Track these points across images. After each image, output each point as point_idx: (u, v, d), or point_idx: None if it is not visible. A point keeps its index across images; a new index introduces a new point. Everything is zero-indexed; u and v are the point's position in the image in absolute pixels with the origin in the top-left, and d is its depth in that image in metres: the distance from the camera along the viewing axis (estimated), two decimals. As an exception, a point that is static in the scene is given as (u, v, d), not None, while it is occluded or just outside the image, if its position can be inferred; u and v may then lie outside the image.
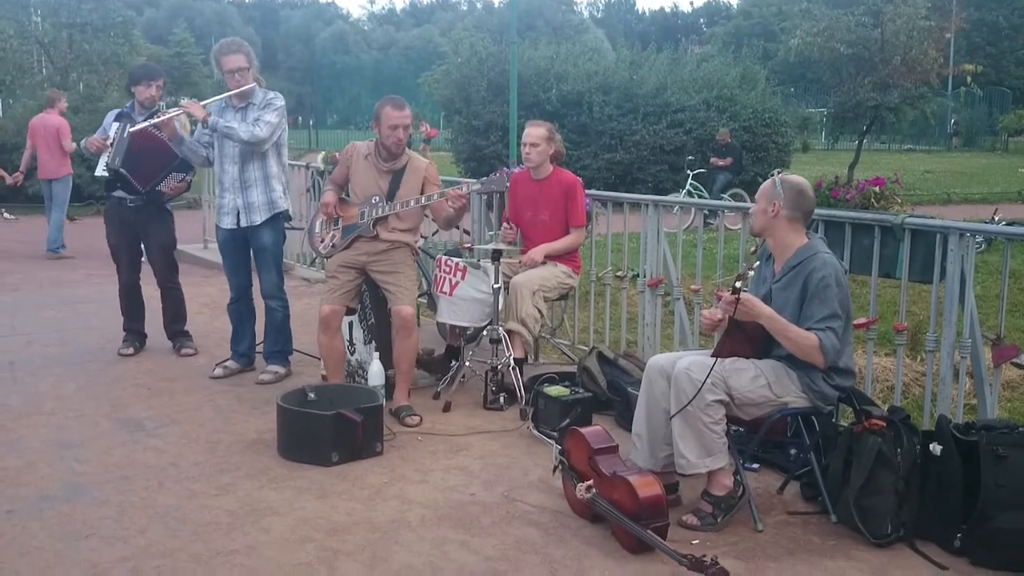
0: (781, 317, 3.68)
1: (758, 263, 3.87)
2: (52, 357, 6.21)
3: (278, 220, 5.69)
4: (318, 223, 5.42)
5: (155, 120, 5.64)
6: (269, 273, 5.69)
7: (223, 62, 5.44)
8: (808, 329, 3.64)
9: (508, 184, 5.60)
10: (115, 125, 5.98)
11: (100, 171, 6.00)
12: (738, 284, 3.62)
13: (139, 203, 6.10)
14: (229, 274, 5.83)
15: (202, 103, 5.53)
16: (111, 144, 5.88)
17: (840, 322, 3.67)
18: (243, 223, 5.59)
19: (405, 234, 5.19)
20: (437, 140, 34.29)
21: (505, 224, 5.84)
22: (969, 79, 28.57)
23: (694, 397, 3.61)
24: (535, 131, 5.62)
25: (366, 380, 5.14)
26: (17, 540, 3.57)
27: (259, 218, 5.58)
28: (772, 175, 3.93)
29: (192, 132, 5.84)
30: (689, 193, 14.73)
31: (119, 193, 6.12)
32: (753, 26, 55.46)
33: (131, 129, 5.76)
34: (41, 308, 7.82)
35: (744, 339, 3.77)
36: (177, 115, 5.57)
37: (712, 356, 3.70)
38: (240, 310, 5.86)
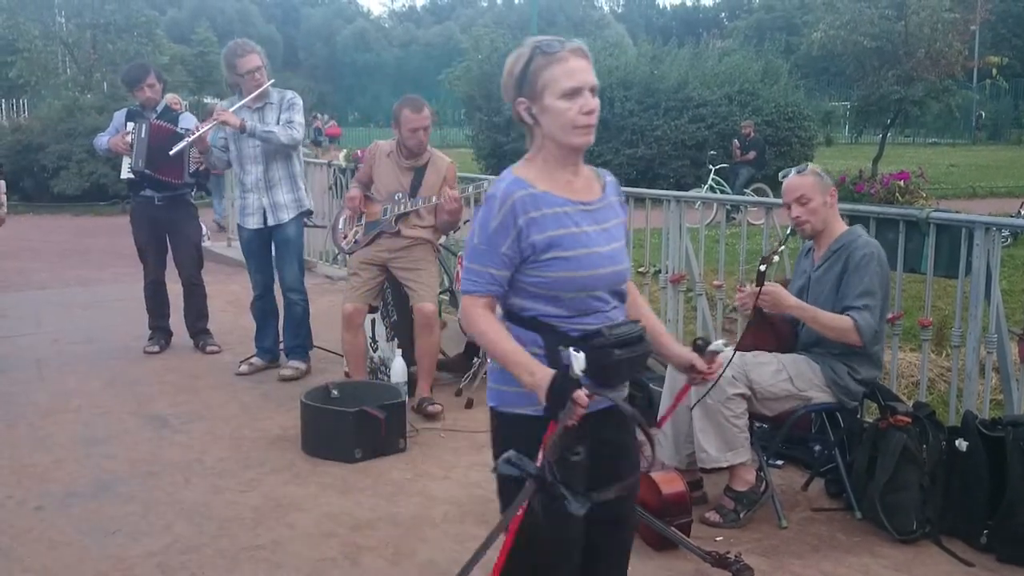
0: (809, 305, 3.65)
1: (782, 248, 3.83)
2: (78, 355, 6.27)
3: (301, 216, 5.77)
4: (342, 220, 5.45)
5: (192, 138, 5.46)
6: (292, 266, 5.74)
7: (239, 64, 5.41)
8: (844, 310, 3.60)
9: None
10: (131, 125, 5.97)
11: (126, 174, 6.04)
12: (762, 268, 3.58)
13: (166, 200, 6.15)
14: (253, 272, 5.87)
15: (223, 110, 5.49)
16: (132, 145, 5.90)
17: (877, 301, 3.61)
18: (270, 222, 5.63)
19: (427, 231, 5.20)
20: (458, 137, 34.24)
21: None
22: (995, 71, 28.27)
23: (712, 386, 3.59)
24: None
25: (389, 377, 5.16)
26: (45, 535, 3.61)
27: (287, 216, 5.63)
28: (801, 171, 3.81)
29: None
30: (711, 188, 14.64)
31: (147, 192, 6.16)
32: (775, 19, 55.04)
33: (174, 150, 5.55)
34: (67, 306, 7.89)
35: (770, 332, 3.75)
36: (214, 127, 5.45)
37: (735, 349, 3.68)
38: (263, 307, 5.90)
